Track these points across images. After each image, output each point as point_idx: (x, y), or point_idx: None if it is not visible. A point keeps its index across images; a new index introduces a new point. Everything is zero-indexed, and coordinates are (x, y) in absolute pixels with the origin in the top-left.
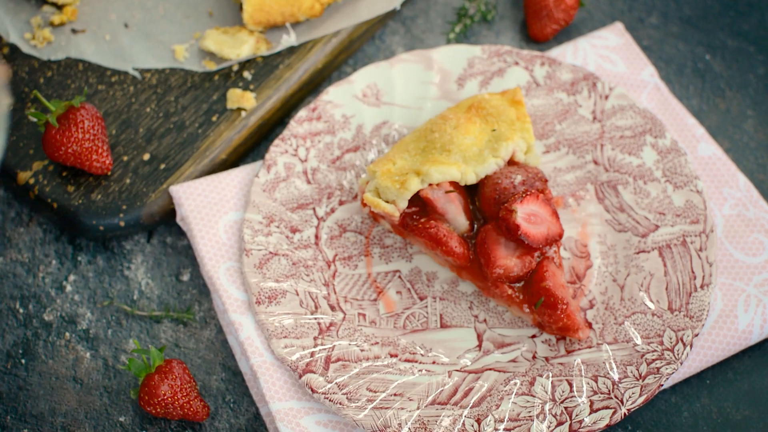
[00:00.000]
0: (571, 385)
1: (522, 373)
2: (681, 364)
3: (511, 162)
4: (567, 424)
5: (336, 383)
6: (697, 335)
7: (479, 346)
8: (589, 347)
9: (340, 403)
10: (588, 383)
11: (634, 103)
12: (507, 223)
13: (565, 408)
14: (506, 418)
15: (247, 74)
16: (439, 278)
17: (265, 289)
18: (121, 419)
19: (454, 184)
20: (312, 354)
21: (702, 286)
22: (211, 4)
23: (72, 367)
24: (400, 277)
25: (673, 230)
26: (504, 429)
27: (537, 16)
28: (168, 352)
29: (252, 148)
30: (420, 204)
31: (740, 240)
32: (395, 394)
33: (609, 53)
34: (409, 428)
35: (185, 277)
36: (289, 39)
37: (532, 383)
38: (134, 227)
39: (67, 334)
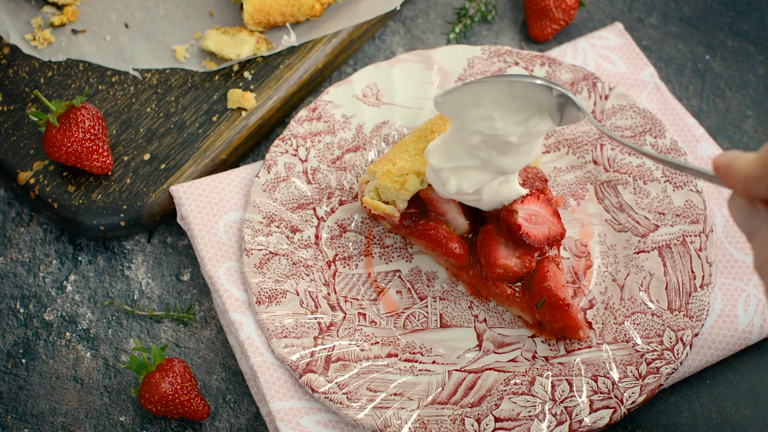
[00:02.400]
0: (570, 384)
1: (522, 373)
2: (681, 363)
3: None
4: (567, 424)
5: (336, 383)
6: (696, 335)
7: (479, 345)
8: (589, 347)
9: (341, 403)
10: (588, 383)
11: (634, 103)
12: (508, 223)
13: (565, 408)
14: (506, 417)
15: (247, 74)
16: (439, 278)
17: (266, 289)
18: (122, 419)
19: None
20: (312, 354)
21: (702, 286)
22: (211, 4)
23: (72, 366)
24: (400, 276)
25: (672, 230)
26: (504, 429)
27: (537, 16)
28: (168, 351)
29: (252, 148)
30: (420, 204)
31: (740, 240)
32: (395, 394)
33: (609, 53)
34: (409, 428)
35: (185, 277)
36: (289, 39)
37: (531, 383)
38: (134, 227)
39: (68, 333)
